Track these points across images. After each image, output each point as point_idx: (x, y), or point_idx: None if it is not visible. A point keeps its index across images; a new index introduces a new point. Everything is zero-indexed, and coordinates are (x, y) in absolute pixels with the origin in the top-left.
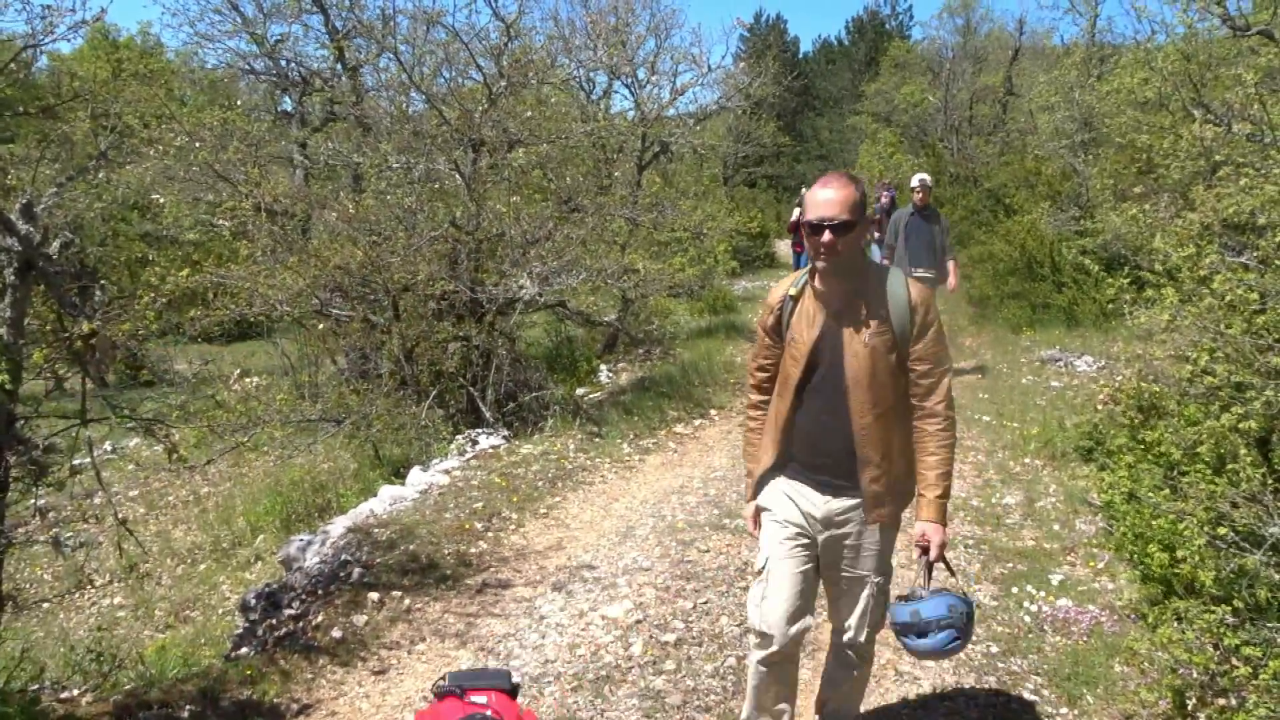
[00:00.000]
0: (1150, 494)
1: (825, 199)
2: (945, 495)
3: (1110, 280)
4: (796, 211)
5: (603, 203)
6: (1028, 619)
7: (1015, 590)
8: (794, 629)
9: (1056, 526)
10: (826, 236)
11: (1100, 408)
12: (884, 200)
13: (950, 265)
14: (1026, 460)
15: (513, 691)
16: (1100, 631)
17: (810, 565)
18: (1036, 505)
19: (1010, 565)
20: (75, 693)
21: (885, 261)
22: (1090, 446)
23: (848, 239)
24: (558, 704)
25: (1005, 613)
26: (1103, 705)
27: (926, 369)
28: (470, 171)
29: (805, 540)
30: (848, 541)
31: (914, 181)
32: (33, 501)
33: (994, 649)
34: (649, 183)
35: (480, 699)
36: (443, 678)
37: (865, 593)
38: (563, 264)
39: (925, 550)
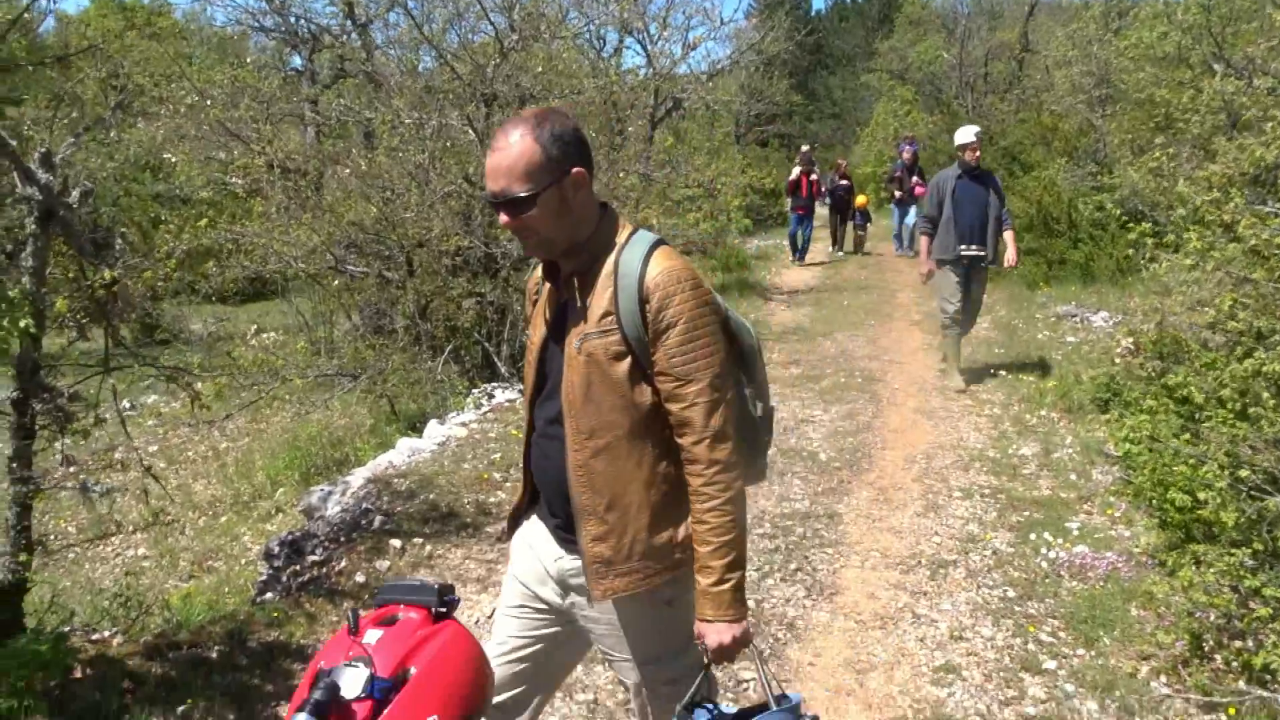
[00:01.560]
0: (1170, 439)
1: (492, 167)
2: (724, 581)
3: (1133, 225)
4: (796, 170)
5: (615, 159)
6: (1044, 565)
7: (1033, 537)
8: None
9: (1073, 476)
10: (502, 218)
11: (1118, 360)
12: (906, 155)
13: (1008, 237)
14: (1043, 413)
15: (443, 607)
16: (1117, 577)
17: (537, 640)
18: (1053, 456)
19: (1026, 514)
20: (105, 634)
21: (922, 236)
22: (1107, 398)
23: (535, 215)
24: None
25: (1022, 559)
26: (1119, 647)
27: (671, 388)
28: (483, 127)
29: (538, 606)
30: (586, 613)
31: (963, 136)
32: (59, 449)
33: (1011, 594)
34: (661, 140)
35: (374, 634)
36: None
37: (632, 686)
38: None
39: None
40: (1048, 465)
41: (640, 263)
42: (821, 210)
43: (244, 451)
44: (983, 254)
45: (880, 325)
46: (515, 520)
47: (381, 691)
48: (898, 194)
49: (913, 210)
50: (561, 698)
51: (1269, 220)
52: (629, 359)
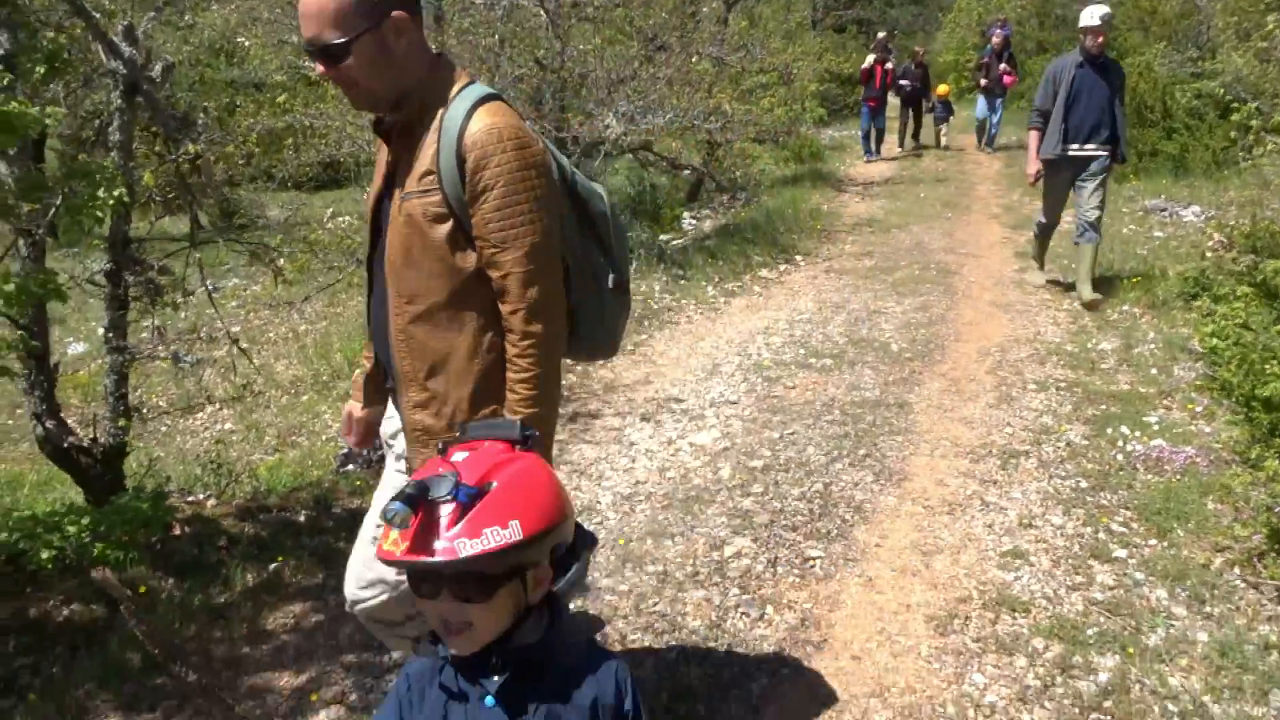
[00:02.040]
0: (1263, 330)
1: (302, 11)
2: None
3: (1237, 108)
4: (870, 58)
5: (689, 41)
6: (1120, 457)
7: (1109, 431)
8: (358, 596)
9: (1154, 371)
10: (318, 68)
11: (1209, 254)
12: (995, 39)
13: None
14: (1125, 308)
15: (523, 442)
16: (1195, 471)
17: None
18: (1133, 351)
19: (1103, 407)
20: (200, 497)
21: (1031, 131)
22: (1194, 293)
23: (352, 65)
24: (649, 519)
25: (1096, 451)
26: (1193, 539)
27: (489, 255)
28: (554, 8)
29: (399, 468)
30: None
31: (1087, 17)
32: (152, 322)
33: (1083, 484)
34: (737, 22)
35: (460, 455)
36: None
37: (377, 599)
38: (648, 103)
39: None
40: (1128, 360)
41: (463, 118)
42: (895, 101)
43: (321, 334)
44: (1098, 154)
45: (957, 218)
46: (370, 383)
47: (466, 496)
48: (984, 83)
49: (999, 103)
50: (631, 568)
51: None
52: (450, 221)
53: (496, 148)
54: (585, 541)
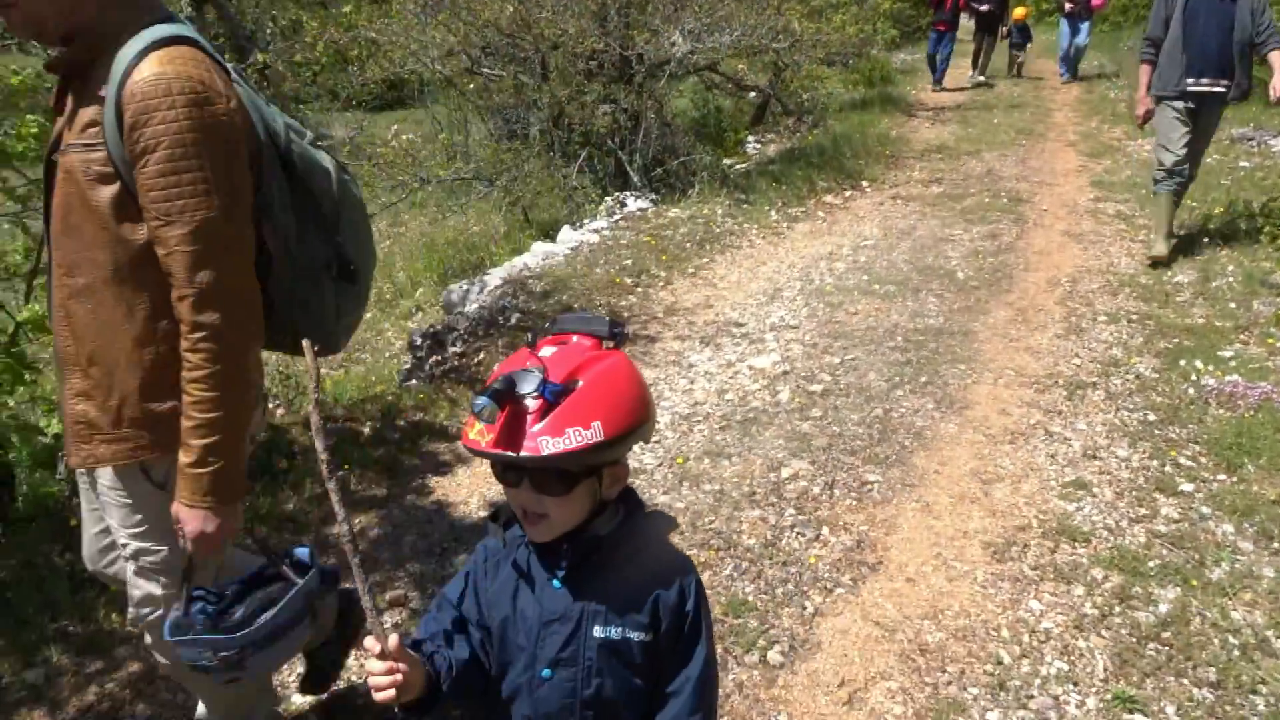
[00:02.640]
0: None
1: None
2: (205, 464)
3: None
4: None
5: None
6: (1191, 392)
7: (1181, 364)
8: (94, 564)
9: (1232, 305)
10: None
11: None
12: None
13: (1275, 59)
14: (1205, 240)
15: (612, 338)
16: (1270, 407)
17: None
18: (1211, 285)
19: (1176, 341)
20: (270, 406)
21: (1143, 65)
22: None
23: None
24: (706, 440)
25: (1166, 385)
26: (1264, 475)
27: (154, 228)
28: None
29: None
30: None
31: None
32: None
33: (1151, 418)
34: None
35: (548, 350)
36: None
37: (115, 565)
38: (715, 21)
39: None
40: (1204, 293)
41: (129, 62)
42: (968, 24)
43: (385, 253)
44: (1220, 90)
45: (1031, 145)
46: None
47: (552, 394)
48: (1069, 6)
49: (1085, 27)
50: (689, 487)
51: None
52: (117, 184)
53: (162, 102)
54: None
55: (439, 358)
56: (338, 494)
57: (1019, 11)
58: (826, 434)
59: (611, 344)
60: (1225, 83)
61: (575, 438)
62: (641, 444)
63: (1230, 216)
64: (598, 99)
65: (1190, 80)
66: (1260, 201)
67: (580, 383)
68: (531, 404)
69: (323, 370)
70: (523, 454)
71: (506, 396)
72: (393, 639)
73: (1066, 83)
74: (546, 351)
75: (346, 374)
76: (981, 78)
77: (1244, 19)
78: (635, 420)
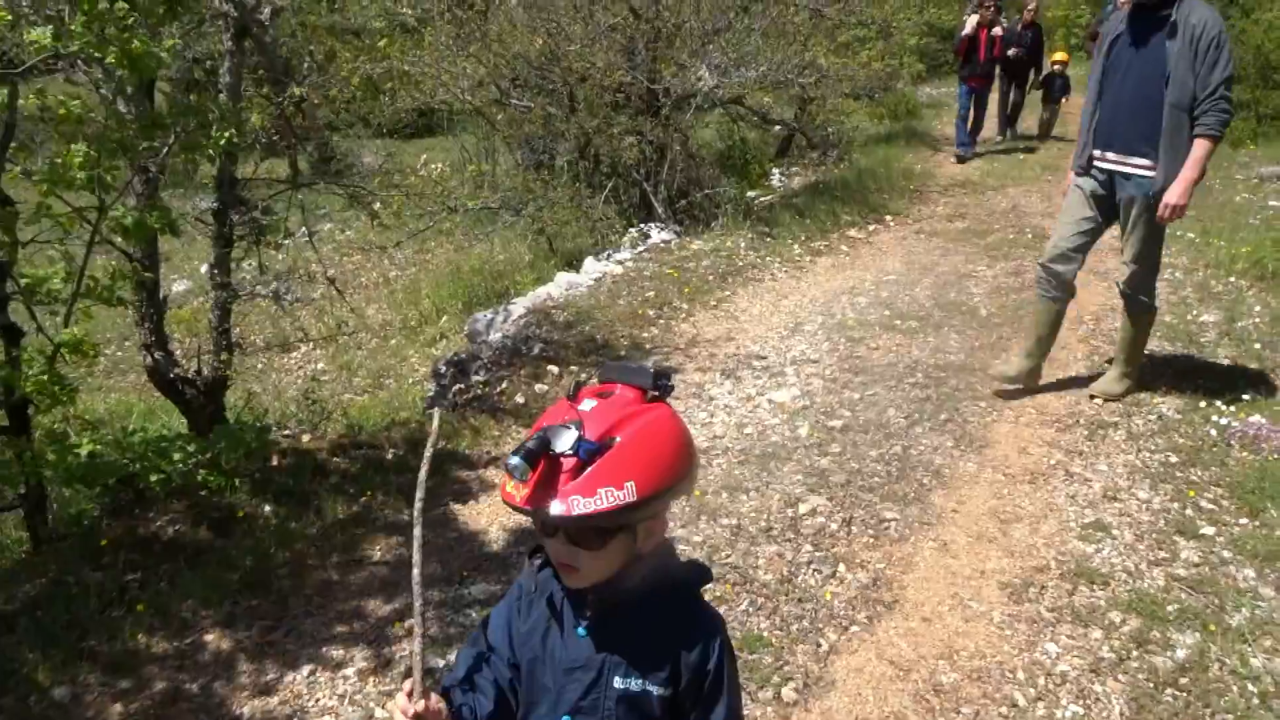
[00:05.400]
0: None
1: None
2: None
3: None
4: (970, 21)
5: None
6: (1213, 433)
7: (1203, 405)
8: None
9: (1257, 346)
10: None
11: None
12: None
13: (1197, 148)
14: (1230, 280)
15: (656, 389)
16: None
17: None
18: (1237, 325)
19: (1200, 381)
20: (295, 431)
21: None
22: None
23: None
24: (724, 474)
25: (1189, 426)
26: None
27: None
28: None
29: None
30: None
31: None
32: (255, 261)
33: (1173, 459)
34: None
35: (589, 403)
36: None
37: None
38: (741, 56)
39: None
40: (1230, 334)
41: None
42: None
43: (411, 280)
44: (1134, 171)
45: (1058, 182)
46: None
47: (587, 453)
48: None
49: None
50: (706, 520)
51: None
52: None
53: None
54: None
55: (462, 386)
56: (419, 548)
57: (1059, 55)
58: (845, 470)
59: (655, 395)
60: (1143, 162)
61: (607, 498)
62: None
63: (1258, 256)
64: (624, 131)
65: (1097, 152)
66: None
67: (617, 439)
68: (565, 463)
69: (347, 395)
70: (553, 513)
71: (538, 456)
72: (432, 700)
73: None
74: (587, 405)
75: (372, 399)
76: (1007, 138)
77: (1180, 74)
78: (672, 478)
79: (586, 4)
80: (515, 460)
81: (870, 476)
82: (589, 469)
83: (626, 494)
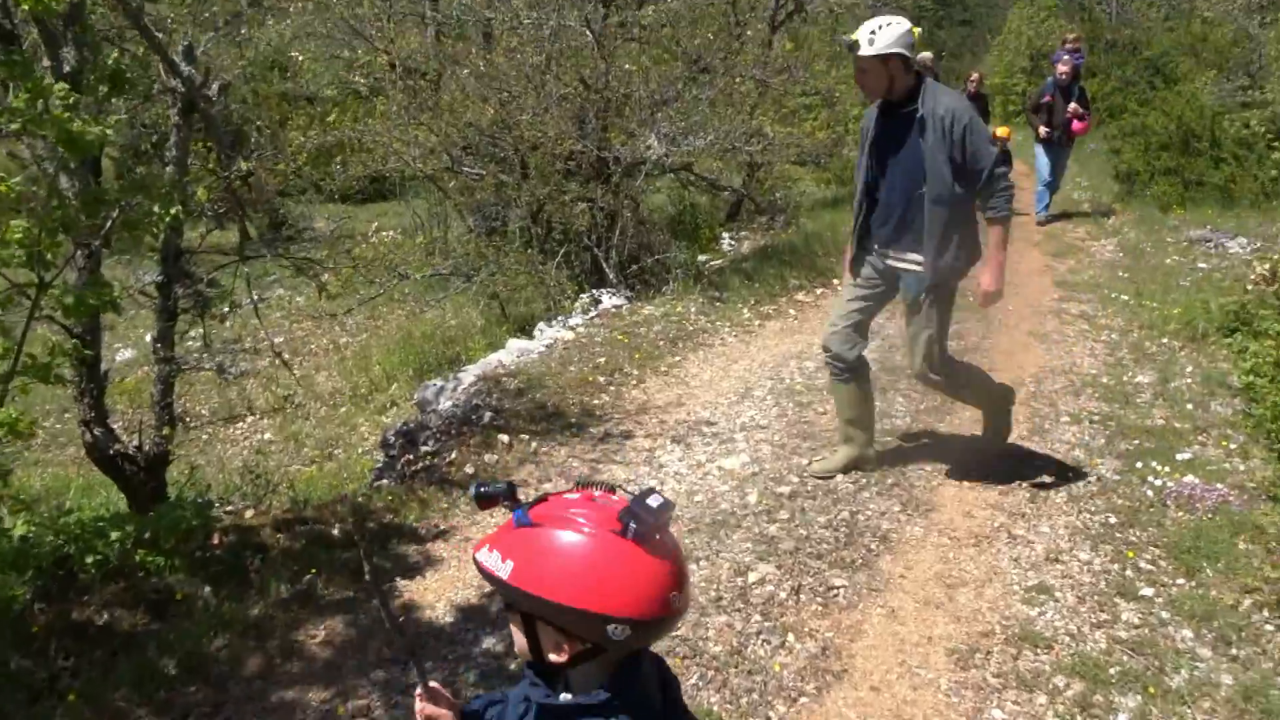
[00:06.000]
0: None
1: None
2: None
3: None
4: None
5: (733, 64)
6: (1150, 494)
7: (1140, 466)
8: None
9: (1190, 406)
10: None
11: (1250, 287)
12: (1062, 69)
13: (992, 236)
14: (1164, 340)
15: (625, 533)
16: (1227, 509)
17: None
18: (1170, 385)
19: (1136, 442)
20: (239, 507)
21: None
22: (1235, 327)
23: None
24: None
25: (1127, 487)
26: (1222, 579)
27: None
28: (600, 28)
29: None
30: None
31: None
32: (199, 334)
33: (1112, 520)
34: (781, 44)
35: (576, 496)
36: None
37: None
38: (690, 125)
39: None
40: (1164, 394)
41: None
42: None
43: (361, 346)
44: (911, 267)
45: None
46: None
47: (517, 519)
48: (1044, 130)
49: (1069, 155)
50: None
51: None
52: None
53: None
54: None
55: (411, 456)
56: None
57: (1002, 130)
58: (794, 537)
59: (623, 534)
60: (915, 258)
61: (488, 559)
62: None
63: (1189, 317)
64: (576, 197)
65: (876, 246)
66: (1218, 302)
67: (540, 527)
68: (512, 514)
69: (294, 466)
70: (477, 549)
71: (489, 497)
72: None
73: (1043, 222)
74: (574, 496)
75: (318, 470)
76: None
77: (937, 168)
78: (557, 592)
79: (538, 74)
80: (472, 489)
81: (819, 543)
82: (506, 530)
83: (500, 568)
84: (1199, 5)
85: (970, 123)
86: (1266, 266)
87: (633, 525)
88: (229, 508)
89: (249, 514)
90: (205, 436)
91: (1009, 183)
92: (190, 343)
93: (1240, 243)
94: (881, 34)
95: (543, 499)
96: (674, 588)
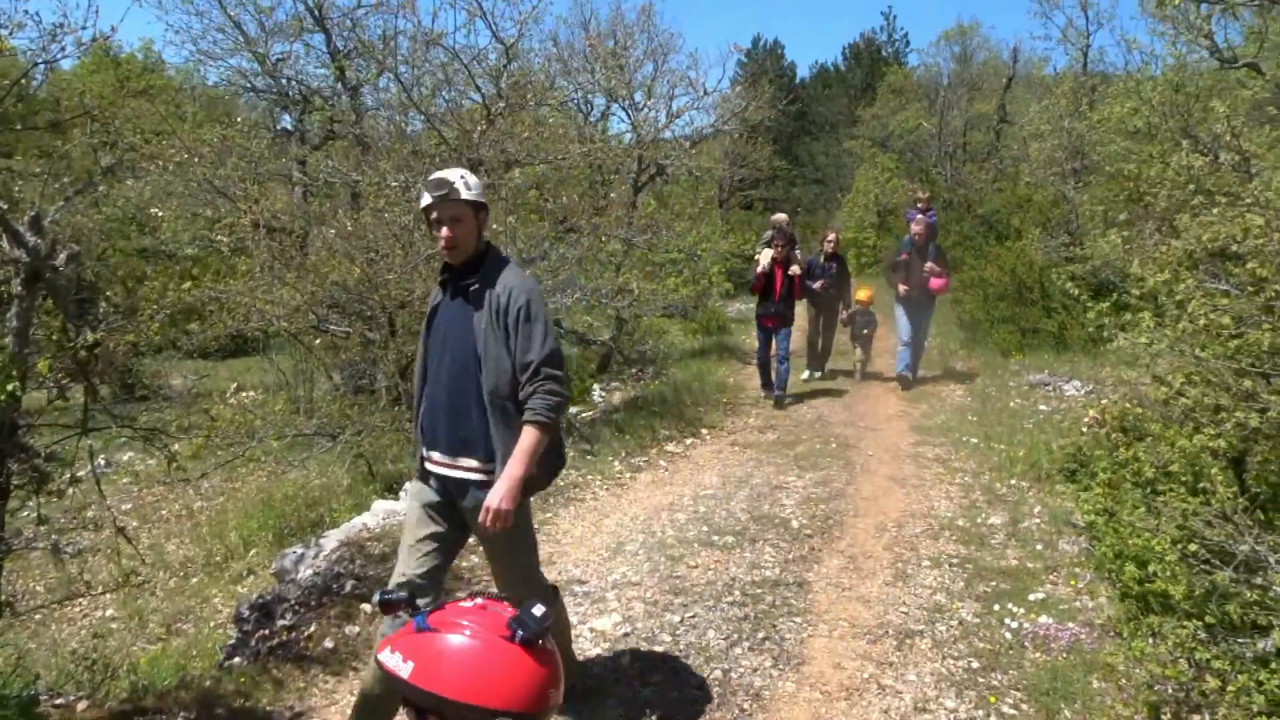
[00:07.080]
0: (1127, 513)
1: None
2: None
3: (1093, 305)
4: (765, 256)
5: (598, 223)
6: (1009, 635)
7: (997, 608)
8: None
9: (1040, 546)
10: None
11: (1085, 430)
12: (916, 229)
13: (525, 437)
14: (1012, 482)
15: (519, 642)
16: (1080, 648)
17: None
18: (1021, 526)
19: (993, 584)
20: (71, 699)
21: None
22: (1074, 468)
23: None
24: None
25: (987, 629)
26: None
27: None
28: None
29: None
30: None
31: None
32: (34, 509)
33: (975, 665)
34: (645, 204)
35: (480, 603)
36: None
37: None
38: (558, 283)
39: None
40: (1015, 535)
41: None
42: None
43: (218, 510)
44: (468, 475)
45: (856, 390)
46: None
47: (418, 623)
48: (903, 288)
49: (931, 313)
50: None
51: (1218, 299)
52: None
53: None
54: None
55: (266, 631)
56: None
57: (862, 293)
58: (666, 701)
59: (511, 639)
60: (472, 464)
61: (389, 660)
62: None
63: (1034, 459)
64: None
65: (424, 452)
66: (1057, 444)
67: (438, 632)
68: (413, 619)
69: (138, 645)
70: (378, 651)
71: (391, 604)
72: None
73: (909, 386)
74: (469, 604)
75: (165, 649)
76: (818, 375)
77: (494, 354)
78: (452, 689)
79: (406, 234)
80: (376, 596)
81: (691, 705)
82: (405, 632)
83: (404, 669)
84: (1021, 170)
85: (527, 306)
86: (1096, 412)
87: (520, 632)
88: (59, 700)
89: (81, 706)
90: (39, 617)
91: (558, 385)
92: (27, 512)
93: (1075, 385)
94: (471, 178)
95: (440, 606)
96: (552, 685)
